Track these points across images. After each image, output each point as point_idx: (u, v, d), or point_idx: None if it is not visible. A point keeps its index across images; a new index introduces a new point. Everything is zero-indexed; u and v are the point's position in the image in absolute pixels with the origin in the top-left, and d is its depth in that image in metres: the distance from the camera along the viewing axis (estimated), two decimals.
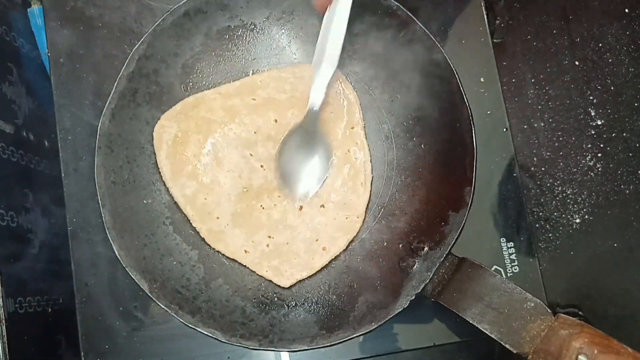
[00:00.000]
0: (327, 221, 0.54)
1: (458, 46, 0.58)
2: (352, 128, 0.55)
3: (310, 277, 0.53)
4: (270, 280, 0.53)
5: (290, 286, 0.53)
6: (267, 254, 0.53)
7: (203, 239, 0.53)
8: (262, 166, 0.54)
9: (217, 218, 0.53)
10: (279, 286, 0.53)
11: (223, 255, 0.54)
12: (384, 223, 0.54)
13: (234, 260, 0.53)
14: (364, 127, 0.55)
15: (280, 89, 0.55)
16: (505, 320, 0.44)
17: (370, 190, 0.55)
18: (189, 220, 0.54)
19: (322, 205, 0.54)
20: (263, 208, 0.54)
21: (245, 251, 0.53)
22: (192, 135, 0.54)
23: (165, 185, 0.54)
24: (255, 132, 0.54)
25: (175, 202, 0.54)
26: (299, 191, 0.54)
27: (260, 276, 0.53)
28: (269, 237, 0.54)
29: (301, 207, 0.54)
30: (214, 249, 0.53)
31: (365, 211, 0.54)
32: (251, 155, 0.54)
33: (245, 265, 0.53)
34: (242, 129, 0.54)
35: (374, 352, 0.55)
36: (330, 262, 0.54)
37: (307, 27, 0.56)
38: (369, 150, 0.55)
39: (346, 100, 0.55)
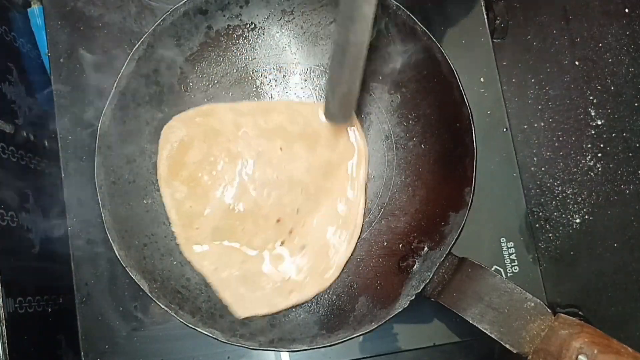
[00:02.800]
0: (303, 265, 0.52)
1: (458, 46, 0.58)
2: (354, 177, 0.54)
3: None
4: (226, 306, 0.51)
5: (244, 318, 0.51)
6: (235, 278, 0.52)
7: (177, 245, 0.53)
8: (254, 190, 0.53)
9: (197, 229, 0.52)
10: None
11: None
12: (384, 223, 0.54)
13: None
14: (367, 180, 0.54)
15: (293, 120, 0.54)
16: (505, 320, 0.44)
17: (355, 247, 0.53)
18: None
19: (304, 247, 0.53)
20: (244, 232, 0.53)
21: (215, 269, 0.52)
22: (197, 142, 0.53)
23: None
24: (257, 155, 0.54)
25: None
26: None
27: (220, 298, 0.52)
28: (242, 262, 0.52)
29: (283, 242, 0.53)
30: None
31: (344, 265, 0.53)
32: (247, 176, 0.53)
33: (209, 284, 0.52)
34: (247, 148, 0.53)
35: (374, 352, 0.55)
36: None
37: (307, 27, 0.56)
38: (365, 203, 0.53)
39: (357, 150, 0.54)
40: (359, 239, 0.53)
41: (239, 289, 0.51)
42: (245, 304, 0.51)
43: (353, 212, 0.53)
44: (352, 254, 0.53)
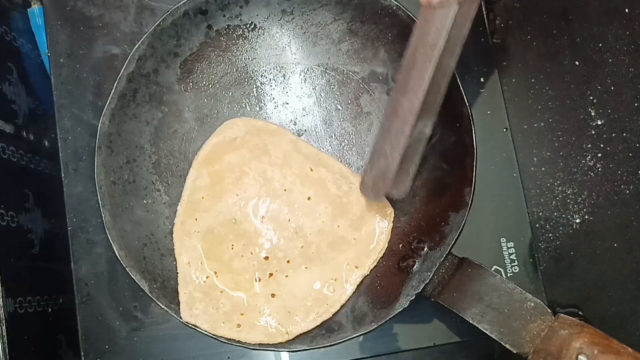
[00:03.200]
0: (263, 311, 0.51)
1: None
2: (356, 267, 0.52)
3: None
4: (178, 305, 0.50)
5: (186, 323, 0.50)
6: (199, 283, 0.51)
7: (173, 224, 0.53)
8: (262, 218, 0.53)
9: (196, 220, 0.53)
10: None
11: None
12: None
13: None
14: (365, 276, 0.52)
15: (337, 183, 0.53)
16: (505, 320, 0.44)
17: (314, 327, 0.51)
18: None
19: (274, 295, 0.51)
20: (232, 248, 0.52)
21: (188, 263, 0.52)
22: (244, 149, 0.54)
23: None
24: (285, 190, 0.53)
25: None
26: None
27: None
28: (215, 272, 0.52)
29: (259, 279, 0.52)
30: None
31: (297, 336, 0.51)
32: (264, 203, 0.53)
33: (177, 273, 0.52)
34: (279, 179, 0.53)
35: (374, 352, 0.55)
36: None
37: (307, 27, 0.56)
38: (350, 297, 0.52)
39: (375, 245, 0.53)
40: (324, 322, 0.51)
41: (195, 294, 0.51)
42: (193, 310, 0.50)
43: (335, 296, 0.52)
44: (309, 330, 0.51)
